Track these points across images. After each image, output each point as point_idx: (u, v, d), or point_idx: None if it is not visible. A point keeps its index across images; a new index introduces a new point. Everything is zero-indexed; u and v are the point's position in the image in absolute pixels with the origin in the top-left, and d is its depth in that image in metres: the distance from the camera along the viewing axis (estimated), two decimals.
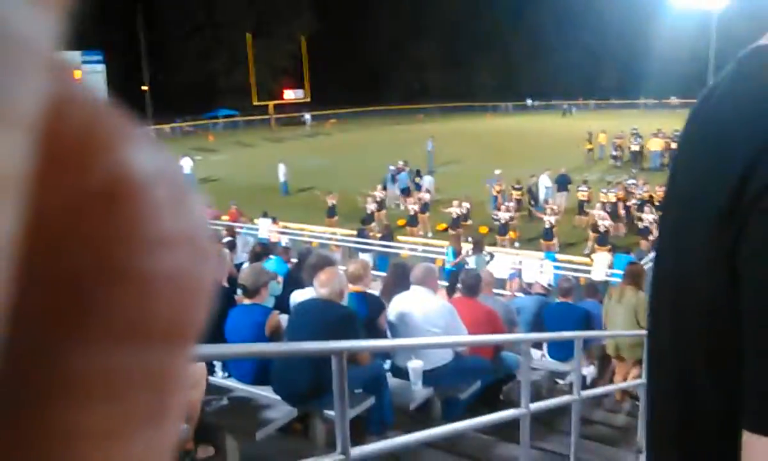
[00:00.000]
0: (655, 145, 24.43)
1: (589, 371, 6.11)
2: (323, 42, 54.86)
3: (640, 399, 5.14)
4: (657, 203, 14.57)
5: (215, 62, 55.93)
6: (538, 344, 6.14)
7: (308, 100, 51.14)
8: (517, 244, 15.21)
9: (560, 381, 5.99)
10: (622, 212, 15.91)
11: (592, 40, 59.20)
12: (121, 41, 49.17)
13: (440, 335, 4.35)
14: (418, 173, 21.13)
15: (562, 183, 18.52)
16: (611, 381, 6.19)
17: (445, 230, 15.57)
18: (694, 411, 0.69)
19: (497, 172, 18.59)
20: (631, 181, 17.74)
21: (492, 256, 11.65)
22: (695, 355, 0.68)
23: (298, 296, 4.76)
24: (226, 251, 6.51)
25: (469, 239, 12.70)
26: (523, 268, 11.20)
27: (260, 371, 3.79)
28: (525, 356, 3.51)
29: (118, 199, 0.12)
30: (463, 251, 11.21)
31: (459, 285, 5.41)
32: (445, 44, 64.09)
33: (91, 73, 33.94)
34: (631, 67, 56.78)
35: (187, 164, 21.08)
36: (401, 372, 4.38)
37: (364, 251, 13.01)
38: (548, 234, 14.52)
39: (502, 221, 15.25)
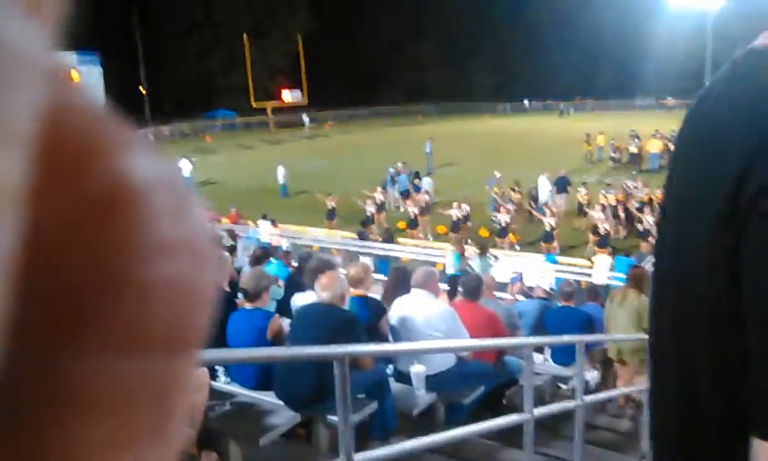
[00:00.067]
0: (654, 146, 24.39)
1: (593, 375, 6.09)
2: (321, 42, 54.83)
3: (643, 404, 5.11)
4: (657, 205, 14.57)
5: (212, 62, 55.94)
6: (540, 349, 6.12)
7: (305, 103, 51.05)
8: (517, 247, 15.15)
9: (563, 386, 5.97)
10: (622, 214, 15.88)
11: (589, 41, 59.28)
12: (117, 42, 49.06)
13: (442, 339, 4.33)
14: (417, 175, 21.11)
15: (561, 185, 18.50)
16: (614, 386, 6.16)
17: (445, 233, 15.51)
18: (696, 412, 0.69)
19: (497, 174, 18.57)
20: (630, 183, 17.73)
21: (496, 258, 11.63)
22: (696, 357, 0.68)
23: (299, 300, 4.74)
24: (227, 255, 6.48)
25: (469, 241, 12.66)
26: (524, 272, 11.19)
27: (263, 376, 3.77)
28: (527, 360, 3.49)
29: (117, 206, 0.12)
30: (467, 254, 11.18)
31: (460, 289, 5.37)
32: (444, 44, 64.17)
33: (87, 75, 33.82)
34: (628, 67, 56.83)
35: (185, 166, 20.99)
36: (404, 377, 4.35)
37: (364, 254, 12.99)
38: (548, 237, 14.51)
39: (502, 224, 15.20)
